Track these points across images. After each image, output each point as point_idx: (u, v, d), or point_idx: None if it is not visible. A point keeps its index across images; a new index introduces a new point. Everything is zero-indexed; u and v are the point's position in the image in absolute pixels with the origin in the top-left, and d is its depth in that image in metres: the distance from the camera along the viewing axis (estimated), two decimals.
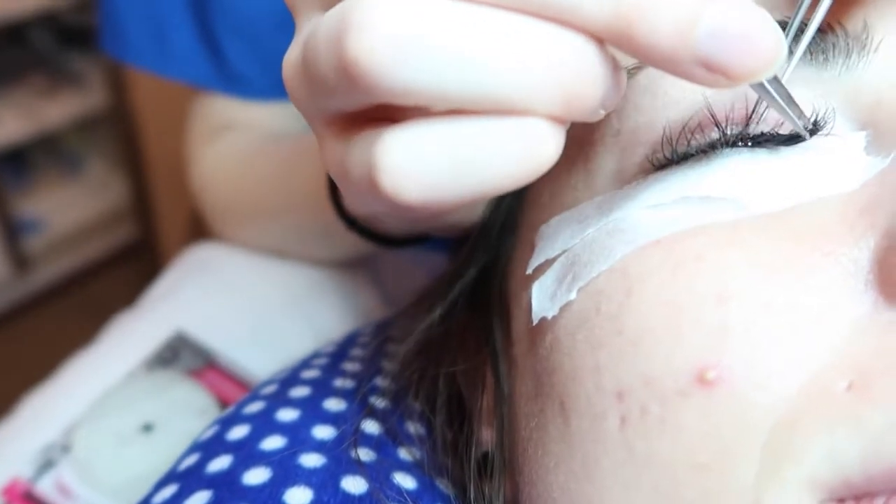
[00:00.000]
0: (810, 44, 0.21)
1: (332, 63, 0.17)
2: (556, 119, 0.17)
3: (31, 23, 1.50)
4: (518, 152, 0.17)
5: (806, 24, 0.21)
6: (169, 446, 0.41)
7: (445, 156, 0.17)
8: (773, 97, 0.19)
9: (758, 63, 0.16)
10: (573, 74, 0.17)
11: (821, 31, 0.21)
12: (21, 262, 1.57)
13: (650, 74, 0.23)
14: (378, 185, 0.17)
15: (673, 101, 0.22)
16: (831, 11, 0.20)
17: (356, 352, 0.34)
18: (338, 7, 0.17)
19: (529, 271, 0.24)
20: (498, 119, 0.17)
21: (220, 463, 0.26)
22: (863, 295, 0.18)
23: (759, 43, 0.16)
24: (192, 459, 0.27)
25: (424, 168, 0.17)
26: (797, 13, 0.20)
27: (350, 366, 0.32)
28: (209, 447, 0.27)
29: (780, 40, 0.16)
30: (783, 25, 0.21)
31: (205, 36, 0.51)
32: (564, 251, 0.23)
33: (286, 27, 0.48)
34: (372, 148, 0.18)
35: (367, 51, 0.16)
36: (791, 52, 0.21)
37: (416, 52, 0.16)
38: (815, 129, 0.21)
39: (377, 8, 0.16)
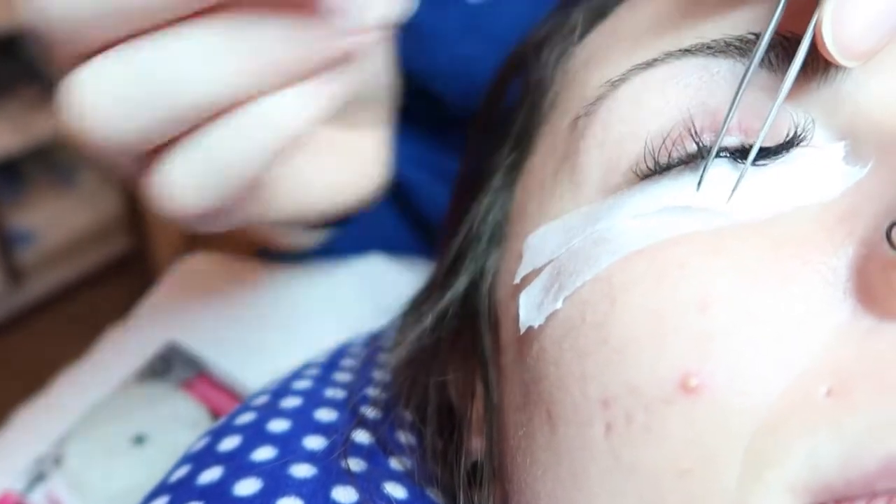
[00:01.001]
0: (788, 56, 0.21)
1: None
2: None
3: (24, 35, 1.50)
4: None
5: (780, 36, 0.21)
6: (160, 458, 0.41)
7: (127, 74, 0.18)
8: None
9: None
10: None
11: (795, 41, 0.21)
12: (13, 275, 1.56)
13: (634, 86, 0.23)
14: (70, 125, 0.19)
15: (655, 112, 0.22)
16: (811, 20, 0.21)
17: (347, 362, 0.34)
18: None
19: (517, 281, 0.25)
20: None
21: (211, 474, 0.26)
22: (842, 302, 0.18)
23: None
24: (183, 471, 0.27)
25: (115, 99, 0.18)
26: (769, 27, 0.21)
27: (341, 376, 0.33)
28: (200, 459, 0.28)
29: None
30: (755, 38, 0.21)
31: None
32: (551, 261, 0.23)
33: None
34: (67, 90, 0.19)
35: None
36: (766, 64, 0.21)
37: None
38: (794, 140, 0.21)
39: None
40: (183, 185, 0.19)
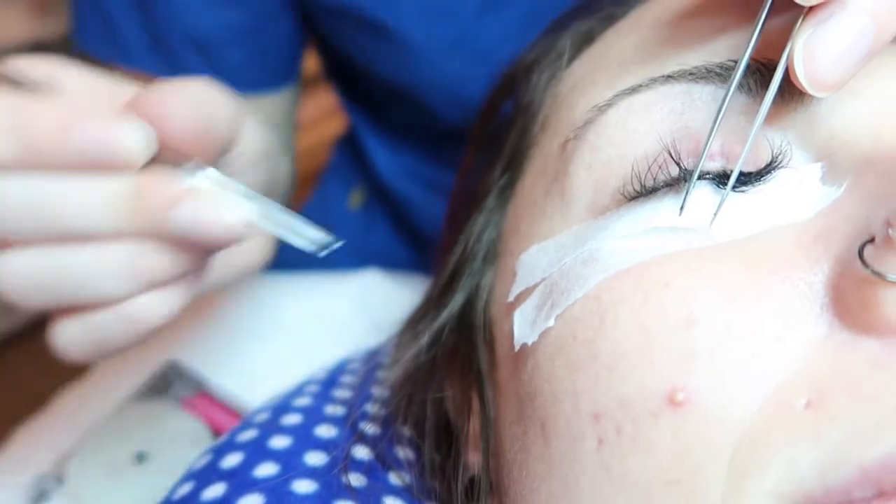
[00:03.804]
0: (766, 82, 0.22)
1: None
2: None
3: (20, 52, 1.51)
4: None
5: (758, 63, 0.22)
6: (162, 476, 0.41)
7: (41, 272, 0.24)
8: (273, 229, 0.24)
9: (221, 235, 0.24)
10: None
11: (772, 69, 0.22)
12: None
13: (620, 111, 0.24)
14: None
15: (641, 136, 0.23)
16: (784, 50, 0.22)
17: (347, 379, 0.35)
18: None
19: (511, 299, 0.25)
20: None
21: (215, 491, 0.27)
22: (819, 317, 0.19)
23: (216, 228, 0.23)
24: (186, 488, 0.28)
25: (27, 279, 0.24)
26: (744, 56, 0.22)
27: (341, 393, 0.33)
28: (203, 476, 0.28)
29: (231, 220, 0.23)
30: (734, 65, 0.22)
31: (159, 48, 0.51)
32: (543, 279, 0.24)
33: (239, 41, 0.49)
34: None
35: None
36: (746, 88, 0.22)
37: None
38: (773, 163, 0.22)
39: None
40: (70, 343, 0.26)
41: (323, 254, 0.25)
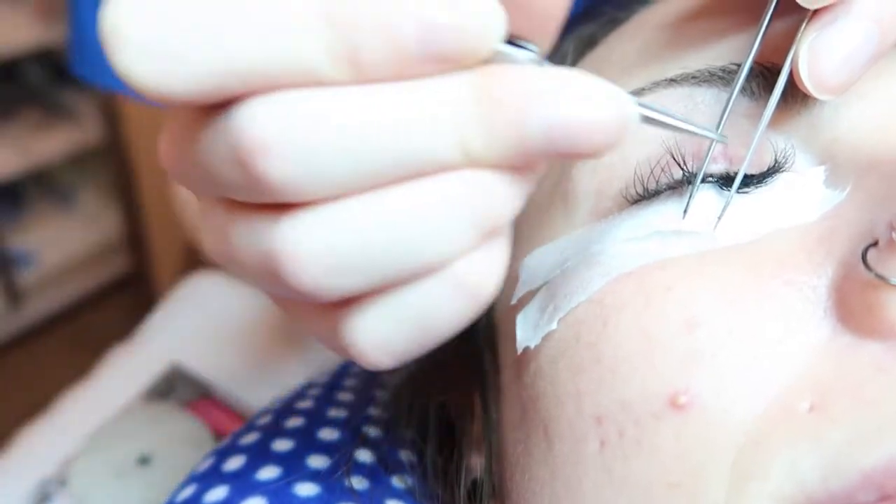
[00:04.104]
0: (769, 85, 0.22)
1: (234, 176, 0.16)
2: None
3: (26, 58, 1.52)
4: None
5: (761, 67, 0.22)
6: (165, 478, 0.41)
7: (358, 242, 0.16)
8: (664, 122, 0.18)
9: (608, 138, 0.15)
10: (483, 204, 0.16)
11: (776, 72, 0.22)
12: (14, 296, 1.57)
13: None
14: (280, 276, 0.16)
15: (643, 140, 0.23)
16: (788, 53, 0.22)
17: (349, 382, 0.35)
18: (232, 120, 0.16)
19: (513, 302, 0.25)
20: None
21: (217, 493, 0.27)
22: (822, 321, 0.19)
23: (601, 125, 0.15)
24: (189, 491, 0.28)
25: (335, 254, 0.16)
26: (746, 62, 0.22)
27: (343, 395, 0.33)
28: (206, 478, 0.28)
29: (619, 104, 0.15)
30: (737, 68, 0.22)
31: None
32: (546, 283, 0.24)
33: None
34: (270, 236, 0.16)
35: (277, 170, 0.15)
36: (751, 93, 0.22)
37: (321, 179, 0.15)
38: (777, 166, 0.22)
39: (271, 124, 0.15)
40: (382, 339, 0.18)
41: (725, 141, 0.20)
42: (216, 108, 0.16)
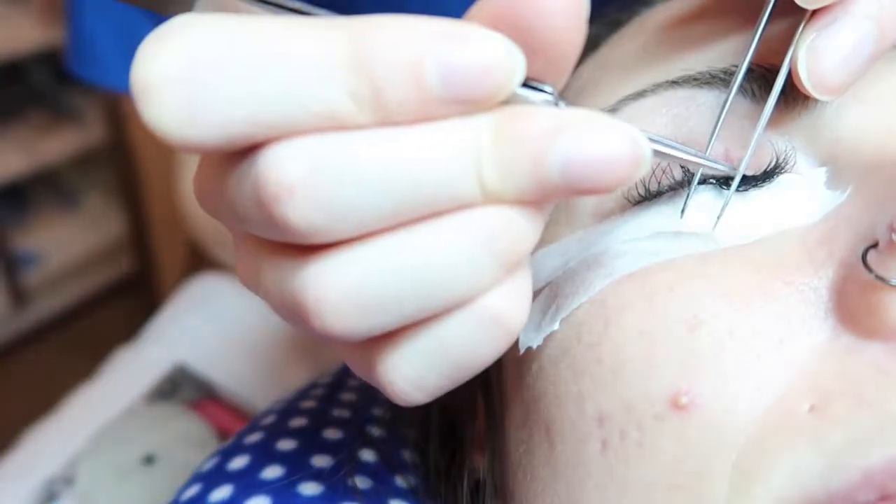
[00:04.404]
0: (769, 87, 0.22)
1: (260, 218, 0.16)
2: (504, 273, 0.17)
3: (30, 60, 1.52)
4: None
5: (762, 68, 0.22)
6: (170, 478, 0.41)
7: (385, 282, 0.16)
8: (670, 155, 0.19)
9: (623, 174, 0.16)
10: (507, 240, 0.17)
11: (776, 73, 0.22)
12: (19, 297, 1.57)
13: (624, 115, 0.24)
14: (308, 319, 0.17)
15: None
16: (787, 54, 0.22)
17: (353, 382, 0.35)
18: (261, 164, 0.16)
19: None
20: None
21: (222, 493, 0.27)
22: (823, 322, 0.19)
23: (616, 162, 0.16)
24: (193, 490, 0.28)
25: (361, 295, 0.16)
26: (743, 64, 0.22)
27: (347, 395, 0.33)
28: (210, 477, 0.28)
29: (636, 144, 0.16)
30: (733, 70, 0.23)
31: None
32: (548, 284, 0.24)
33: None
34: (296, 278, 0.17)
35: (301, 213, 0.16)
36: (748, 94, 0.22)
37: (344, 226, 0.16)
38: (777, 167, 0.22)
39: (294, 170, 0.15)
40: (417, 375, 0.18)
41: (738, 176, 0.20)
42: (243, 151, 0.16)
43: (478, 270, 0.17)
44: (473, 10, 0.17)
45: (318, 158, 0.15)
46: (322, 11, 0.17)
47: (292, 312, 0.17)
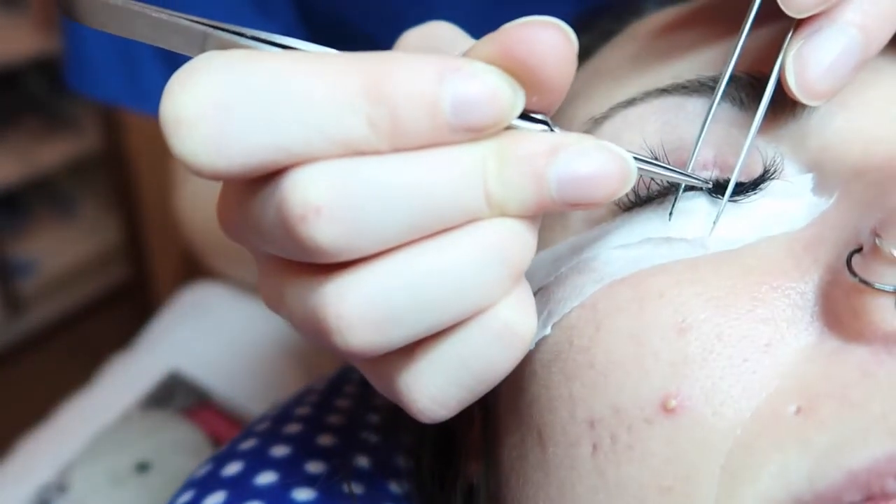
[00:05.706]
0: (758, 94, 0.22)
1: (285, 238, 0.17)
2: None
3: (26, 67, 1.53)
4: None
5: (749, 76, 0.23)
6: (164, 485, 0.41)
7: (402, 295, 0.18)
8: (654, 172, 0.21)
9: (611, 189, 0.18)
10: (514, 253, 0.18)
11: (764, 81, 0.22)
12: (14, 304, 1.57)
13: (615, 123, 0.25)
14: (329, 335, 0.18)
15: (635, 148, 0.24)
16: (776, 62, 0.22)
17: (348, 388, 0.35)
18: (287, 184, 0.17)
19: None
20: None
21: (215, 499, 0.27)
22: (809, 325, 0.20)
23: (607, 178, 0.18)
24: (187, 496, 0.28)
25: (380, 309, 0.18)
26: (727, 71, 0.22)
27: (342, 402, 0.33)
28: (204, 484, 0.28)
29: (623, 162, 0.18)
30: (717, 79, 0.23)
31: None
32: (540, 289, 0.24)
33: None
34: (317, 296, 0.18)
35: (322, 232, 0.17)
36: (734, 100, 0.23)
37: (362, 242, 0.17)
38: (766, 174, 0.22)
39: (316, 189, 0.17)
40: (439, 391, 0.19)
41: (706, 187, 0.22)
42: (265, 176, 0.18)
43: (489, 279, 0.18)
44: (473, 49, 0.18)
45: (340, 181, 0.17)
46: (328, 50, 0.18)
47: (314, 330, 0.18)
